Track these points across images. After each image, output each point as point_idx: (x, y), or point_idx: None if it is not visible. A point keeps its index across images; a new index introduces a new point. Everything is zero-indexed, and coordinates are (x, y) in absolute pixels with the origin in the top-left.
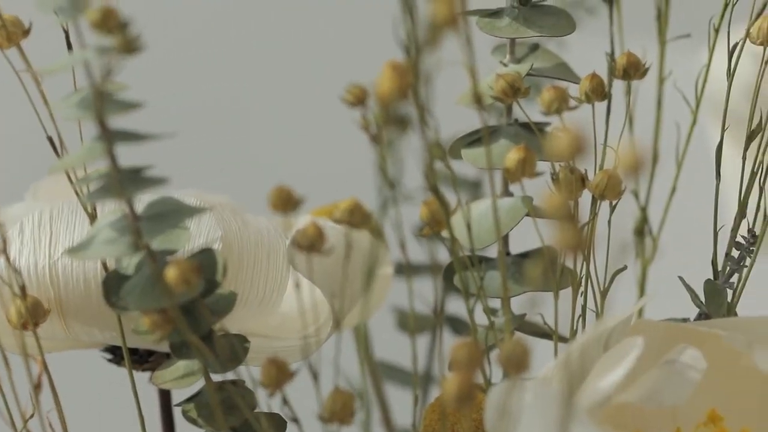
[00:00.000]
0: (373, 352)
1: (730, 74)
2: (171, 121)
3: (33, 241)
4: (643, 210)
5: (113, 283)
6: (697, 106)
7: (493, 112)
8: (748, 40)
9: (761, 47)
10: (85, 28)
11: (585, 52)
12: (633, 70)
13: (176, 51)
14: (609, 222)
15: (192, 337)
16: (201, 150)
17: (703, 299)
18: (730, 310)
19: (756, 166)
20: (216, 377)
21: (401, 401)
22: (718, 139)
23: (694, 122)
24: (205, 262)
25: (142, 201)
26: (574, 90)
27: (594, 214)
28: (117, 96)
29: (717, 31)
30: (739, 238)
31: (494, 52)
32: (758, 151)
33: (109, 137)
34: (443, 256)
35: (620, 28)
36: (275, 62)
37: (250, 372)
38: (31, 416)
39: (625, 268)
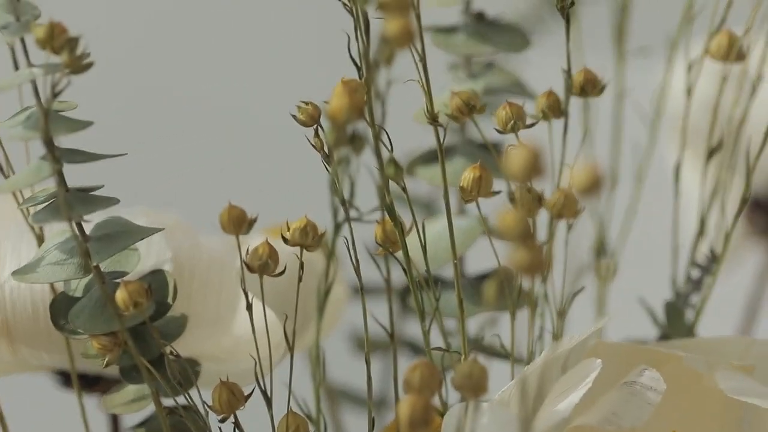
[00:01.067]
0: (327, 374)
1: (689, 91)
2: (123, 138)
3: None
4: (601, 229)
5: (61, 306)
6: (656, 123)
7: (449, 129)
8: (707, 56)
9: (721, 63)
10: (32, 46)
11: (542, 68)
12: (590, 87)
13: (125, 66)
14: (566, 242)
15: (142, 360)
16: (152, 167)
17: (663, 319)
18: (691, 331)
19: (716, 184)
20: (167, 401)
21: (356, 425)
22: (678, 157)
23: (653, 140)
24: (155, 284)
25: (92, 221)
26: (531, 107)
27: (551, 233)
28: (65, 115)
29: (675, 47)
30: (700, 258)
31: (450, 69)
32: (718, 169)
33: (57, 157)
34: (398, 276)
35: (578, 44)
36: (227, 78)
37: (201, 396)
38: None
39: (583, 288)
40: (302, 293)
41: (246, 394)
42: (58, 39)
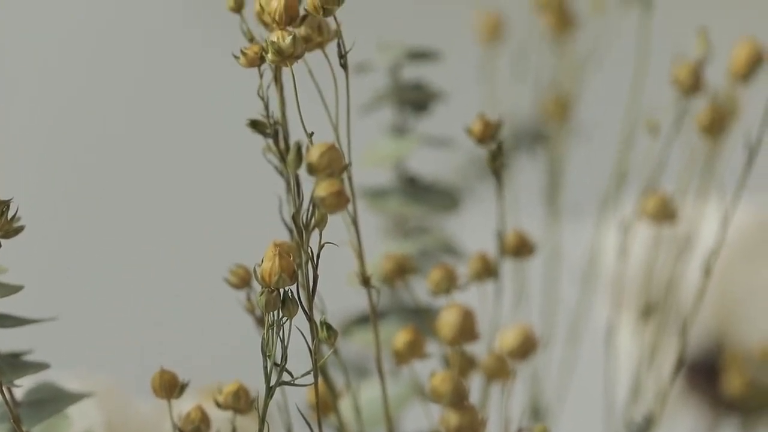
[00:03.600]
0: None
1: (622, 251)
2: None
3: None
4: (536, 391)
5: None
6: (589, 283)
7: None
8: (640, 217)
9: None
10: None
11: (476, 229)
12: (523, 248)
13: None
14: (501, 404)
15: None
16: (88, 329)
17: None
18: None
19: (650, 347)
20: None
21: None
22: (609, 318)
23: (586, 300)
24: None
25: (23, 387)
26: (465, 268)
27: (485, 396)
28: None
29: (607, 206)
30: (635, 419)
31: (383, 231)
32: (654, 330)
33: None
34: None
35: (512, 203)
36: (164, 241)
37: None
38: None
39: None
40: None
41: None
42: None
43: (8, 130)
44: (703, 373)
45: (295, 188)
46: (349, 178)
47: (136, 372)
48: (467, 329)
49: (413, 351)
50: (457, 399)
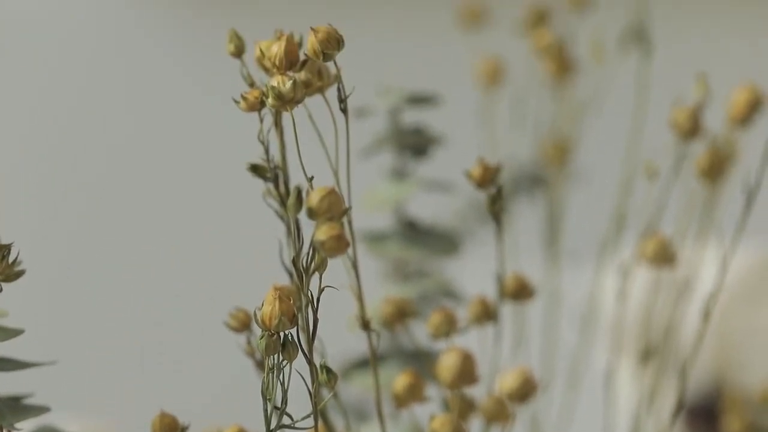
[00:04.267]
0: None
1: (621, 295)
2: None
3: None
4: None
5: None
6: (588, 327)
7: (382, 334)
8: (639, 260)
9: (653, 268)
10: None
11: (475, 273)
12: (522, 291)
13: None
14: None
15: None
16: (88, 373)
17: None
18: None
19: (649, 390)
20: None
21: None
22: (608, 363)
23: (585, 343)
24: None
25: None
26: (464, 312)
27: None
28: None
29: (606, 250)
30: None
31: (382, 275)
32: (653, 375)
33: None
34: None
35: (511, 247)
36: (166, 285)
37: None
38: None
39: None
40: None
41: None
42: None
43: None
44: (703, 416)
45: (295, 232)
46: (349, 222)
47: (136, 415)
48: (467, 372)
49: (413, 394)
50: None
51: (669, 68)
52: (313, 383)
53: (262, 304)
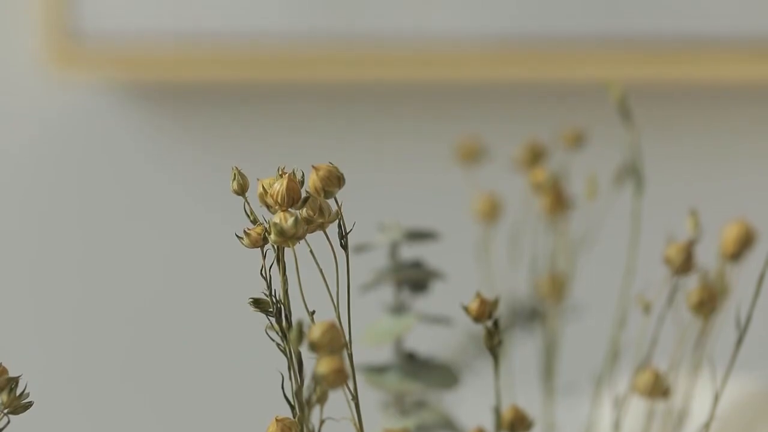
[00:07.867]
0: None
1: (616, 426)
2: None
3: None
4: None
5: None
6: None
7: None
8: (634, 392)
9: (647, 400)
10: None
11: (473, 405)
12: (519, 424)
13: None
14: None
15: None
16: None
17: None
18: None
19: None
20: None
21: None
22: None
23: None
24: None
25: None
26: None
27: None
28: None
29: (601, 383)
30: None
31: (382, 407)
32: None
33: None
34: None
35: (508, 380)
36: (166, 420)
37: None
38: None
39: None
40: None
41: None
42: None
43: None
44: None
45: (296, 365)
46: (350, 356)
47: None
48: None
49: None
50: None
51: (661, 204)
52: None
53: None
